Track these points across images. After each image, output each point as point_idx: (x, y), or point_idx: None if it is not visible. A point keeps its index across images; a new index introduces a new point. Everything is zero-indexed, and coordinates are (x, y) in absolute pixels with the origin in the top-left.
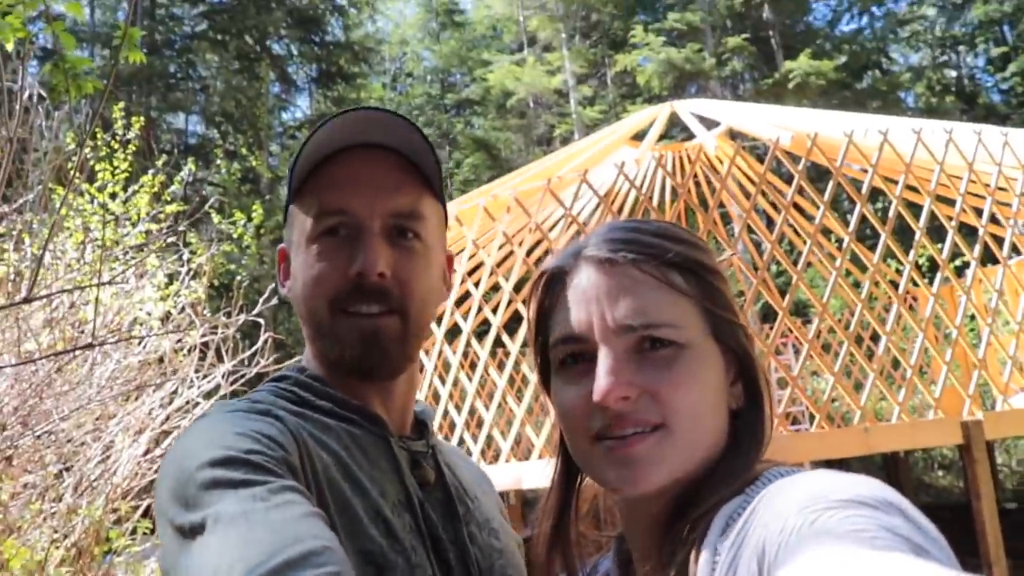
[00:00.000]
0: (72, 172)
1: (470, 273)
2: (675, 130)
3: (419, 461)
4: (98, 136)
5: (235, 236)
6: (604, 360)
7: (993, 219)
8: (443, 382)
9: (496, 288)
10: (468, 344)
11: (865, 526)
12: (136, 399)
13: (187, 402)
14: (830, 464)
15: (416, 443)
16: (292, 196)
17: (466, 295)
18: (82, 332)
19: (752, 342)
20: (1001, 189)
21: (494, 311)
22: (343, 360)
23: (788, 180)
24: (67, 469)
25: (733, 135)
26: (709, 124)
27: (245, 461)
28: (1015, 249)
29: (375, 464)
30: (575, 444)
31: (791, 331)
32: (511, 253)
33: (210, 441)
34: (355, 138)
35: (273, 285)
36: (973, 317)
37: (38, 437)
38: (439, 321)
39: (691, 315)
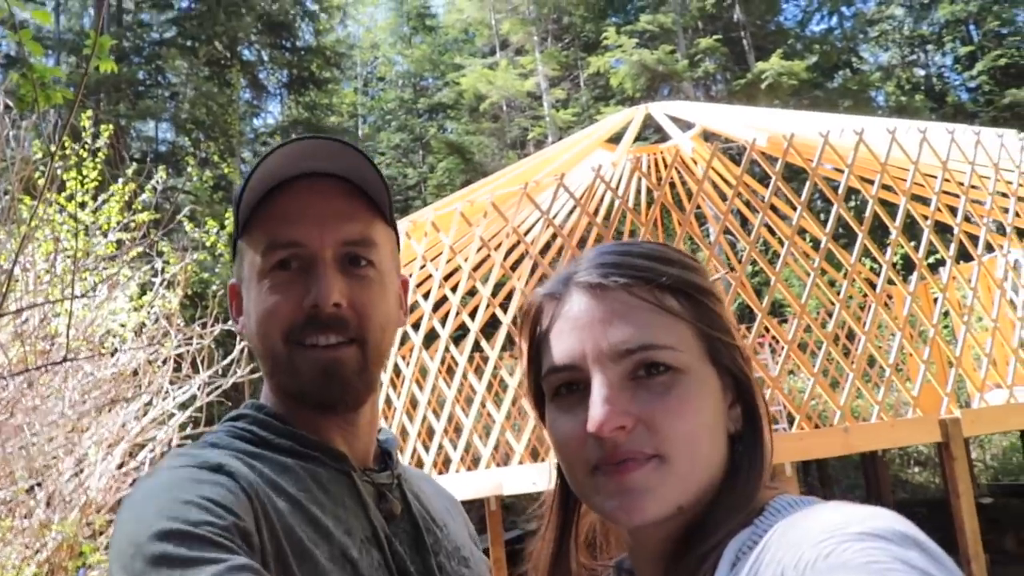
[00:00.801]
0: (43, 184)
1: (447, 278)
2: (649, 131)
3: (384, 494)
4: (67, 145)
5: (208, 244)
6: (598, 389)
7: (967, 217)
8: (421, 388)
9: (473, 292)
10: (446, 349)
11: (880, 558)
12: (110, 412)
13: (162, 413)
14: (807, 464)
15: (381, 475)
16: (240, 231)
17: (443, 300)
18: (53, 345)
19: (750, 364)
20: (974, 187)
21: (472, 316)
22: (303, 394)
23: (763, 181)
24: (39, 484)
25: (708, 136)
26: (684, 125)
27: (193, 536)
28: (989, 247)
29: (339, 502)
30: (572, 475)
31: (768, 331)
32: (488, 257)
33: (158, 509)
34: (301, 167)
35: None
36: (948, 314)
37: (9, 452)
38: (416, 327)
39: (687, 338)
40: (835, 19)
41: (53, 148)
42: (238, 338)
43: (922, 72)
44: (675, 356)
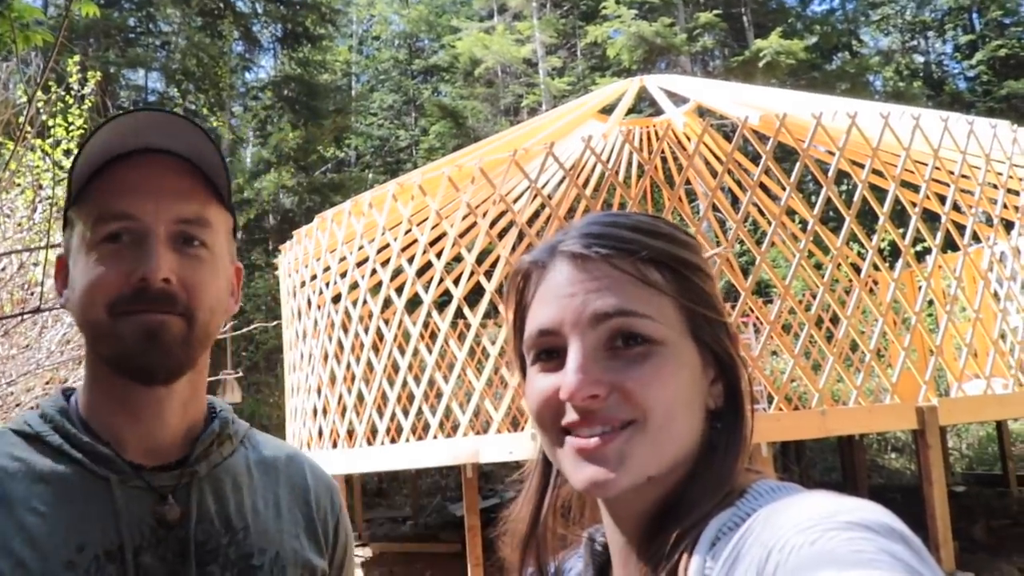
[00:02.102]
0: (22, 126)
1: (432, 243)
2: (643, 104)
3: (165, 497)
4: (51, 90)
5: None
6: (573, 356)
7: (955, 207)
8: (402, 353)
9: (458, 259)
10: (428, 315)
11: (866, 548)
12: None
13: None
14: (785, 446)
15: (164, 475)
16: (71, 201)
17: (428, 265)
18: (31, 294)
19: (736, 342)
20: (964, 177)
21: (456, 283)
22: (122, 357)
23: (755, 159)
24: None
25: (702, 112)
26: (678, 100)
27: None
28: (976, 237)
29: (84, 514)
30: (544, 440)
31: (752, 310)
32: (475, 224)
33: None
34: (141, 142)
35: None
36: (931, 303)
37: None
38: (399, 291)
39: (668, 311)
40: (837, 0)
41: (34, 92)
42: None
43: (921, 59)
44: (653, 327)
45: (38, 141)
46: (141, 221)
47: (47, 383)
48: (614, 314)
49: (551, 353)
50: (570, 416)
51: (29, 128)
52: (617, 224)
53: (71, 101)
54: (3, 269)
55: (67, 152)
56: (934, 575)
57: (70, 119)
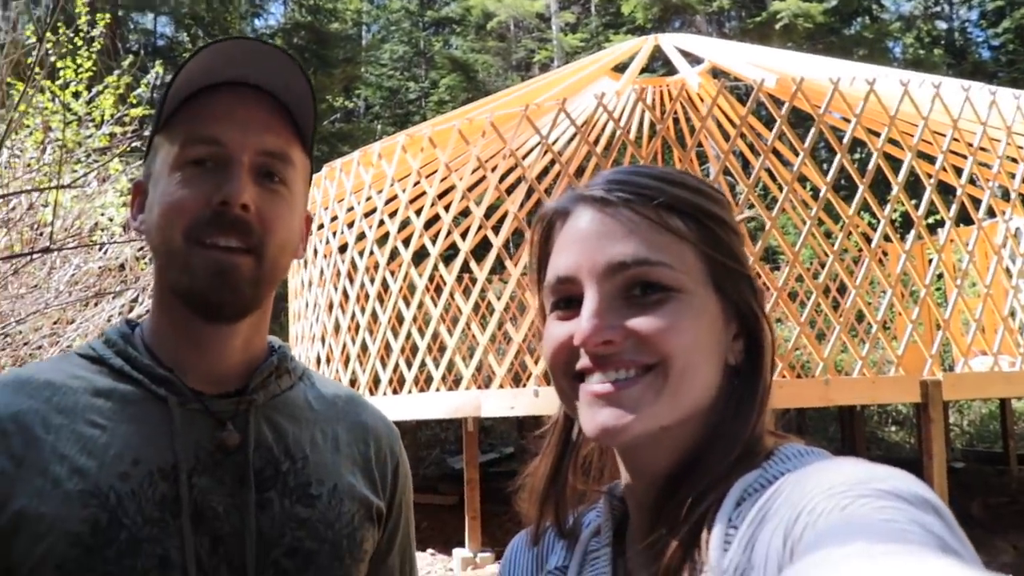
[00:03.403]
0: (32, 67)
1: (440, 196)
2: (657, 64)
3: (225, 423)
4: (60, 31)
5: None
6: (589, 302)
7: (972, 180)
8: (407, 305)
9: (466, 213)
10: (435, 268)
11: (897, 518)
12: (95, 305)
13: (148, 311)
14: (785, 412)
15: (224, 402)
16: (159, 126)
17: (436, 218)
18: (40, 235)
19: (761, 297)
20: (983, 149)
21: (463, 236)
22: (191, 292)
23: (769, 123)
24: None
25: (716, 73)
26: (692, 60)
27: None
28: (991, 211)
29: (140, 431)
30: (557, 386)
31: (759, 276)
32: (484, 178)
33: None
34: (234, 74)
35: None
36: (941, 277)
37: None
38: (406, 243)
39: (688, 259)
40: None
41: (43, 32)
42: None
43: (944, 25)
44: (672, 275)
45: (47, 82)
46: (227, 147)
47: (55, 323)
48: (631, 264)
49: (569, 302)
50: (583, 361)
51: (39, 69)
52: (640, 173)
53: (80, 43)
54: (13, 209)
55: (76, 94)
56: (964, 548)
57: (79, 61)
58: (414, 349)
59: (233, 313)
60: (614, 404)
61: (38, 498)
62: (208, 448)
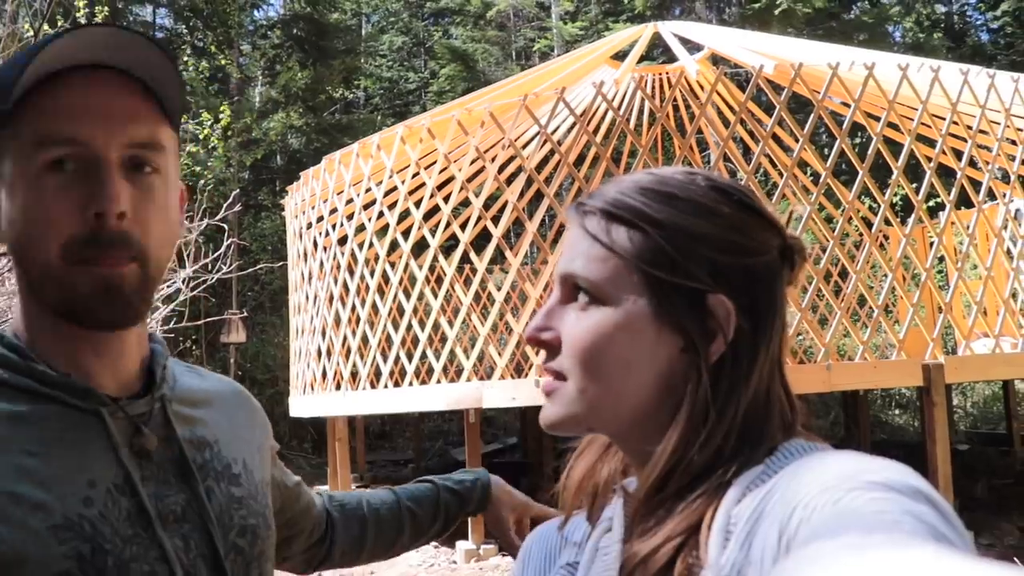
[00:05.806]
0: None
1: (440, 187)
2: (656, 51)
3: (139, 427)
4: (58, 23)
5: (202, 137)
6: (546, 304)
7: (972, 163)
8: (408, 297)
9: (466, 204)
10: (435, 259)
11: (889, 509)
12: None
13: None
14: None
15: (138, 403)
16: (3, 122)
17: (435, 209)
18: None
19: (712, 314)
20: (982, 132)
21: (463, 227)
22: (76, 311)
23: (768, 110)
24: None
25: (716, 60)
26: (692, 47)
27: None
28: (991, 194)
29: (83, 450)
30: None
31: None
32: (483, 169)
33: None
34: (86, 57)
35: (237, 191)
36: (942, 259)
37: None
38: (406, 235)
39: (621, 272)
40: None
41: (40, 25)
42: (227, 233)
43: (943, 8)
44: (596, 288)
45: None
46: (90, 146)
47: None
48: (566, 276)
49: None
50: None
51: None
52: (621, 180)
53: None
54: None
55: None
56: (959, 537)
57: None
58: (415, 341)
59: (126, 323)
60: (546, 392)
61: (7, 544)
62: (137, 455)
